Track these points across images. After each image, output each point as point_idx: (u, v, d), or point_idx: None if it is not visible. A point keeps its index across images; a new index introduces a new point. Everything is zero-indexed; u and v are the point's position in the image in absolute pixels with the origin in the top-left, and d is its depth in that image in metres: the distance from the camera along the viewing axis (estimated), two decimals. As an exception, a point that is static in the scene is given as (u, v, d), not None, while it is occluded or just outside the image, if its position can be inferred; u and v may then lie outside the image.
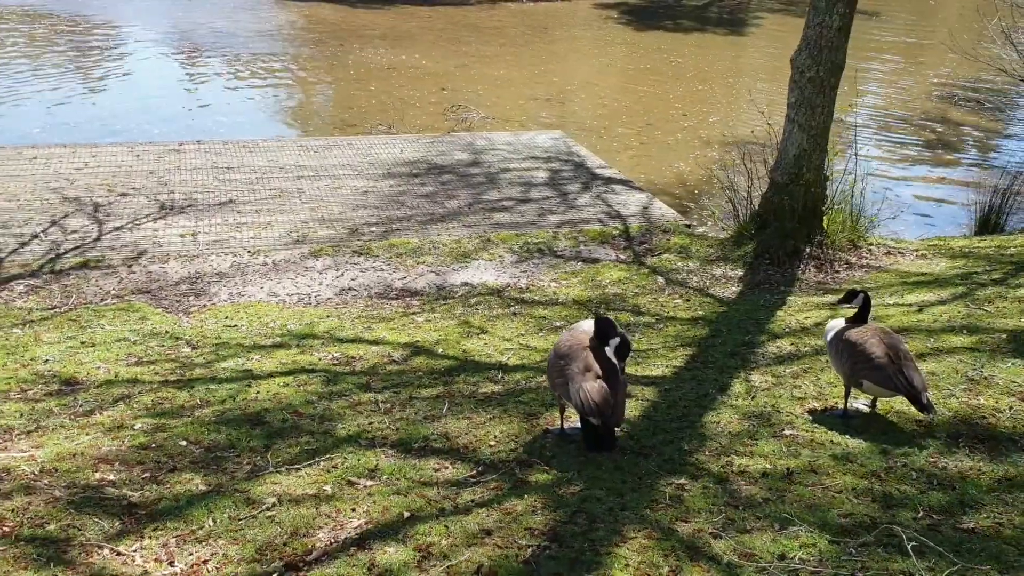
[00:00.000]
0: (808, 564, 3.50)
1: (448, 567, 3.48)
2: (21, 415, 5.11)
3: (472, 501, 4.01)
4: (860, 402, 5.07)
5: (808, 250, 8.72)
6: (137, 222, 9.13)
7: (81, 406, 5.27)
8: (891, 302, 7.19)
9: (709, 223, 10.42)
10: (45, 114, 15.03)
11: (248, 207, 9.60)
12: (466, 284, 8.17)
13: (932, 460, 4.39)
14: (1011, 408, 4.91)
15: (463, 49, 22.01)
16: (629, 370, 5.74)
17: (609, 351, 4.44)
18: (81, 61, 19.32)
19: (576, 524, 3.79)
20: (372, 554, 3.58)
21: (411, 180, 10.68)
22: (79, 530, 3.78)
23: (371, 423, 4.94)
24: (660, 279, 8.35)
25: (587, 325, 4.71)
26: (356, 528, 3.79)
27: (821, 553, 3.58)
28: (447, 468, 4.38)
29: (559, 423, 4.76)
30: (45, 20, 23.43)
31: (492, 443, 4.64)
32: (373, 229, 9.20)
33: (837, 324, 5.10)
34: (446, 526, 3.77)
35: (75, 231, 8.84)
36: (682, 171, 13.23)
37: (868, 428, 4.77)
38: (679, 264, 8.76)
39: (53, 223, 8.99)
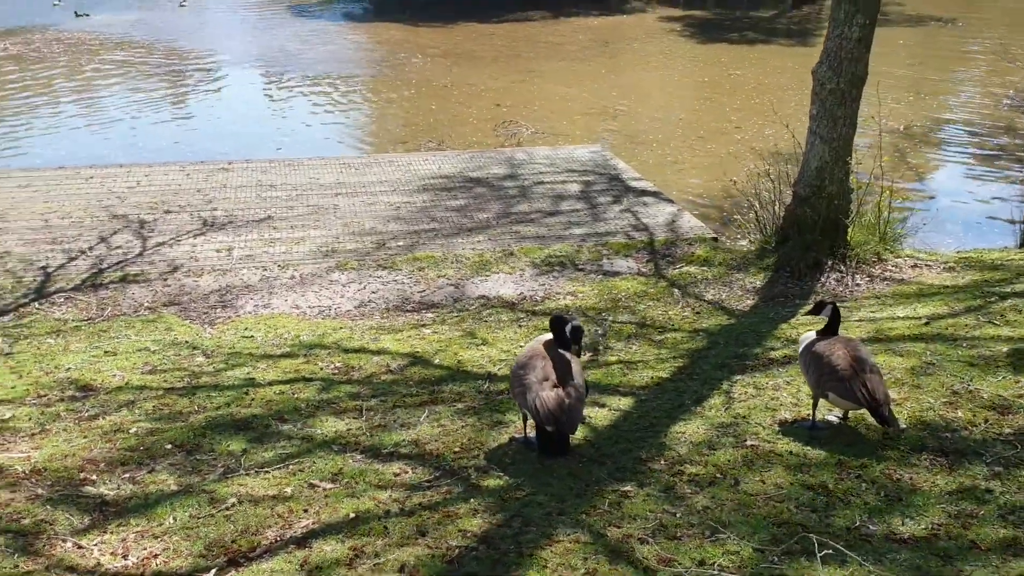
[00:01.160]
0: (726, 570, 3.56)
1: (375, 565, 3.65)
2: (31, 418, 5.48)
3: (419, 504, 4.17)
4: (831, 414, 5.07)
5: (830, 263, 8.65)
6: (178, 238, 9.56)
7: (88, 411, 5.61)
8: (901, 315, 7.11)
9: (738, 236, 10.39)
10: (130, 135, 15.78)
11: (284, 223, 9.96)
12: (483, 297, 8.34)
13: (888, 472, 4.38)
14: (986, 421, 4.86)
15: (522, 65, 22.27)
16: (611, 379, 5.85)
17: (567, 342, 4.62)
18: (165, 86, 20.18)
19: (510, 527, 3.92)
20: (310, 552, 3.78)
21: (443, 194, 10.92)
22: (50, 524, 4.08)
23: (348, 429, 5.15)
24: (676, 291, 8.38)
25: (546, 337, 4.85)
26: (303, 527, 4.00)
27: (742, 560, 3.63)
28: (407, 473, 4.56)
29: (524, 431, 4.89)
30: (135, 48, 24.50)
31: (457, 449, 4.80)
32: (400, 243, 9.46)
33: (809, 336, 5.12)
34: (386, 527, 3.95)
35: (119, 247, 9.31)
36: (729, 185, 13.18)
37: (834, 440, 4.78)
38: (698, 276, 8.78)
39: (100, 239, 9.48)
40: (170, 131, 16.32)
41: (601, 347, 6.78)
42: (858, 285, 8.37)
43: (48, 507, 4.24)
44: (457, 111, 18.11)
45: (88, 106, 18.05)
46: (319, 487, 4.39)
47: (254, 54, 23.78)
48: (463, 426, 5.13)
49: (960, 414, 4.97)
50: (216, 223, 9.97)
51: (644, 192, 11.25)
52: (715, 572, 3.54)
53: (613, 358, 6.45)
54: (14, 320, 7.76)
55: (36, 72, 20.72)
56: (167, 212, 10.27)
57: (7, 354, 6.97)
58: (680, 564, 3.60)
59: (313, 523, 4.02)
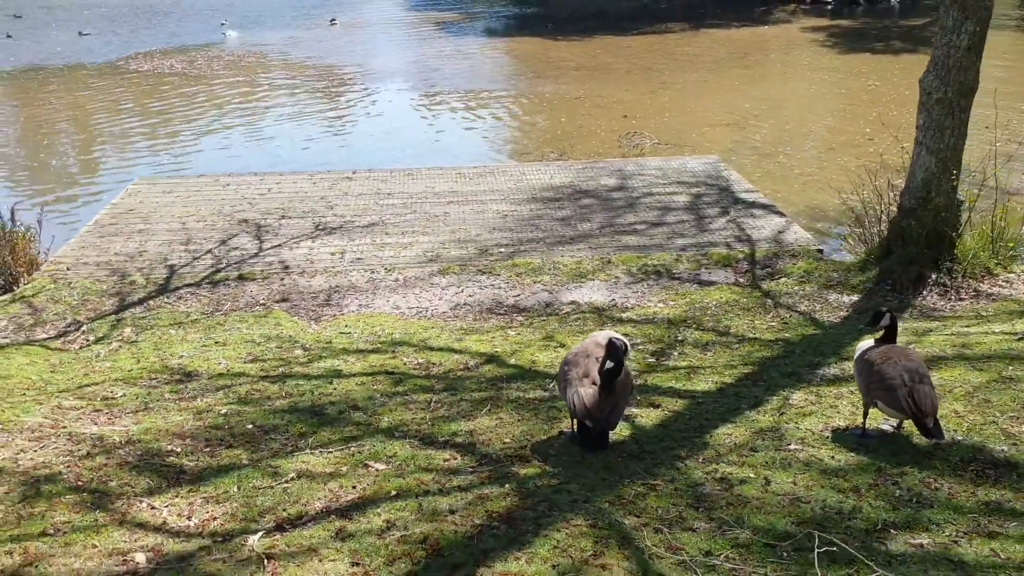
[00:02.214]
0: (731, 562, 3.67)
1: (402, 536, 3.94)
2: (137, 397, 6.07)
3: (457, 486, 4.44)
4: (886, 423, 5.03)
5: (934, 277, 8.42)
6: (297, 240, 10.21)
7: (188, 393, 6.17)
8: (996, 330, 6.89)
9: (844, 249, 10.20)
10: (296, 148, 16.82)
11: (395, 229, 10.47)
12: (573, 302, 8.56)
13: (928, 481, 4.35)
14: (1047, 437, 4.73)
15: (655, 77, 22.32)
16: (674, 383, 5.96)
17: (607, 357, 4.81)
18: (315, 100, 21.33)
19: (535, 511, 4.14)
20: (348, 522, 4.11)
21: (551, 204, 11.19)
22: (131, 487, 4.56)
23: (412, 418, 5.48)
24: (769, 302, 8.35)
25: (601, 336, 5.02)
26: (347, 501, 4.33)
27: (751, 553, 3.73)
28: (455, 459, 4.83)
29: (572, 426, 5.09)
30: (290, 65, 25.94)
31: (508, 440, 5.05)
32: (502, 250, 9.78)
33: (865, 344, 5.11)
34: (420, 504, 4.24)
35: (243, 248, 10.02)
36: (848, 197, 12.88)
37: (881, 448, 4.76)
38: (795, 288, 8.71)
39: (224, 241, 10.23)
40: (318, 143, 17.25)
41: (676, 352, 6.89)
42: (961, 300, 8.12)
43: (133, 472, 4.74)
44: (584, 123, 18.37)
45: (244, 118, 19.27)
46: (371, 467, 4.72)
47: (398, 69, 24.70)
48: (519, 420, 5.37)
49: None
50: (333, 228, 10.57)
51: (754, 204, 11.19)
52: (719, 562, 3.65)
53: (683, 363, 6.55)
54: (143, 312, 8.51)
55: (198, 87, 22.26)
56: (290, 217, 10.95)
57: (132, 341, 7.68)
58: (687, 553, 3.73)
59: (357, 498, 4.35)
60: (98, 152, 17.33)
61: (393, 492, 4.39)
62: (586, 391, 4.67)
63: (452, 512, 4.15)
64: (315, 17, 34.27)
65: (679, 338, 7.27)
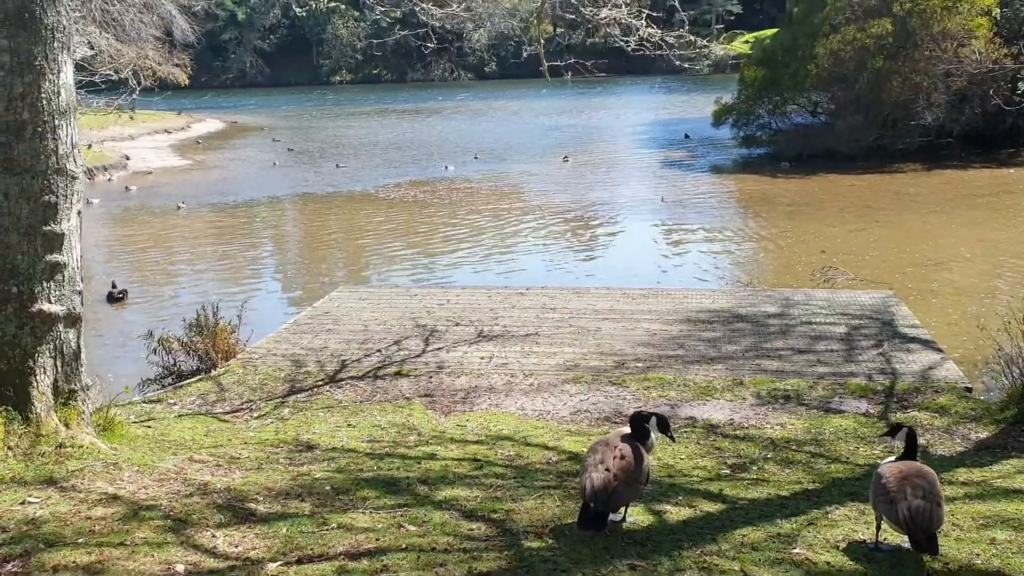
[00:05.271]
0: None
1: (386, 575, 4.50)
2: (255, 459, 7.03)
3: (462, 548, 4.94)
4: (907, 543, 4.99)
5: (1075, 420, 7.94)
6: (456, 345, 11.14)
7: (299, 460, 7.06)
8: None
9: (993, 389, 9.72)
10: (541, 268, 18.36)
11: (546, 339, 11.16)
12: (690, 418, 8.78)
13: (911, 594, 4.35)
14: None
15: (868, 215, 21.96)
16: (725, 490, 6.14)
17: (652, 431, 5.23)
18: (541, 227, 22.85)
19: (512, 572, 4.55)
20: (353, 563, 4.71)
21: (702, 326, 11.48)
22: (207, 521, 5.42)
23: (468, 496, 6.02)
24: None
25: (626, 429, 5.42)
26: (364, 549, 4.94)
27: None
28: (479, 529, 5.33)
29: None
30: (517, 195, 27.86)
31: (535, 520, 5.47)
32: (639, 364, 10.19)
33: (889, 460, 5.15)
34: (419, 556, 4.78)
35: (409, 349, 11.07)
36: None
37: (888, 562, 4.76)
38: (924, 421, 8.46)
39: (396, 342, 11.34)
40: (562, 265, 18.52)
41: (756, 466, 6.99)
42: (1102, 447, 7.59)
43: (214, 510, 5.60)
44: (780, 254, 18.45)
45: (472, 241, 21.00)
46: (404, 528, 5.31)
47: (625, 203, 25.70)
48: (558, 506, 5.77)
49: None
50: (492, 336, 11.43)
51: (913, 339, 10.91)
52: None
53: (750, 477, 6.67)
54: (306, 397, 9.65)
55: (439, 212, 24.44)
56: (458, 324, 11.95)
57: (283, 419, 8.78)
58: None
59: (373, 547, 4.96)
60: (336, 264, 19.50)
61: (404, 546, 4.95)
62: (598, 475, 5.05)
63: (441, 565, 4.66)
64: (550, 152, 36.48)
65: (768, 456, 7.35)
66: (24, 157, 6.46)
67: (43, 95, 6.47)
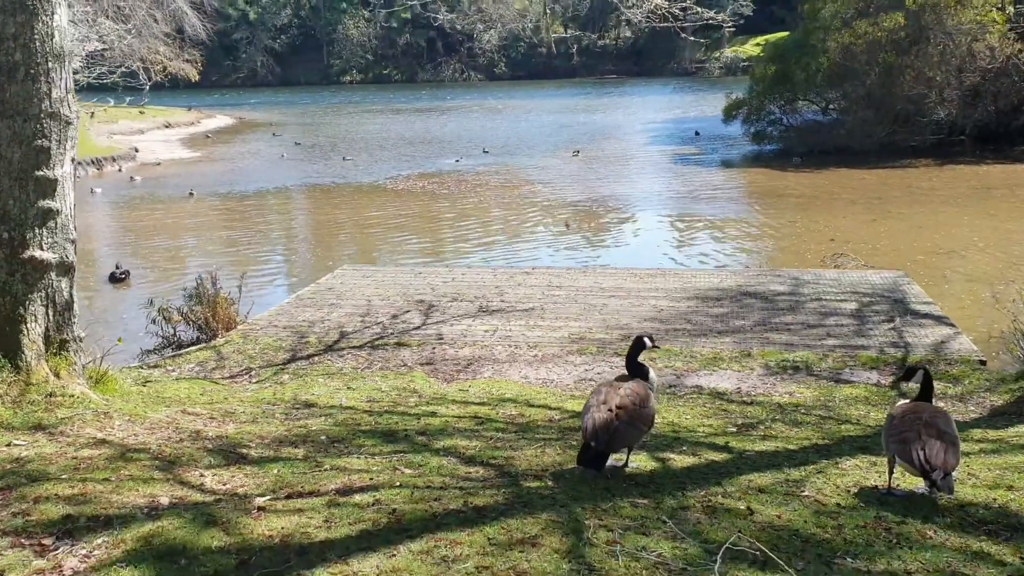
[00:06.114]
0: (662, 559, 3.73)
1: (377, 509, 4.32)
2: (251, 415, 6.87)
3: (457, 487, 4.76)
4: (921, 489, 4.80)
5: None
6: (458, 319, 10.96)
7: (296, 416, 6.89)
8: None
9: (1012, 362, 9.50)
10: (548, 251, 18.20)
11: (551, 314, 10.98)
12: (696, 386, 8.59)
13: (923, 531, 4.16)
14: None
15: (878, 207, 21.69)
16: (732, 443, 5.95)
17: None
18: (543, 220, 22.70)
19: (509, 506, 4.37)
20: (345, 497, 4.54)
21: (710, 302, 11.28)
22: (196, 462, 5.26)
23: (467, 445, 5.84)
24: (897, 397, 7.98)
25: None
26: (358, 487, 4.77)
27: (686, 555, 3.77)
28: (477, 472, 5.15)
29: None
30: (525, 186, 27.67)
31: (534, 464, 5.29)
32: (645, 337, 9.98)
33: (902, 403, 4.96)
34: (412, 493, 4.60)
35: (410, 322, 10.91)
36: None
37: (901, 504, 4.56)
38: (938, 390, 8.22)
39: (396, 316, 11.18)
40: (575, 249, 18.40)
41: (764, 425, 6.80)
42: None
43: (205, 453, 5.44)
44: (789, 243, 18.24)
45: (481, 230, 20.85)
46: (399, 471, 5.14)
47: (635, 195, 25.45)
48: (559, 453, 5.59)
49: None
50: (495, 310, 11.26)
51: (925, 315, 10.70)
52: (647, 556, 3.73)
53: (757, 434, 6.47)
54: (306, 365, 9.49)
55: (447, 203, 24.29)
56: (461, 301, 11.77)
57: (281, 383, 8.62)
58: (622, 546, 3.83)
59: (367, 485, 4.78)
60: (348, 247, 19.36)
61: (398, 483, 4.78)
62: (599, 414, 4.87)
63: (436, 500, 4.48)
64: (561, 148, 36.29)
65: (776, 417, 7.16)
66: (16, 99, 6.32)
67: (36, 36, 6.32)
